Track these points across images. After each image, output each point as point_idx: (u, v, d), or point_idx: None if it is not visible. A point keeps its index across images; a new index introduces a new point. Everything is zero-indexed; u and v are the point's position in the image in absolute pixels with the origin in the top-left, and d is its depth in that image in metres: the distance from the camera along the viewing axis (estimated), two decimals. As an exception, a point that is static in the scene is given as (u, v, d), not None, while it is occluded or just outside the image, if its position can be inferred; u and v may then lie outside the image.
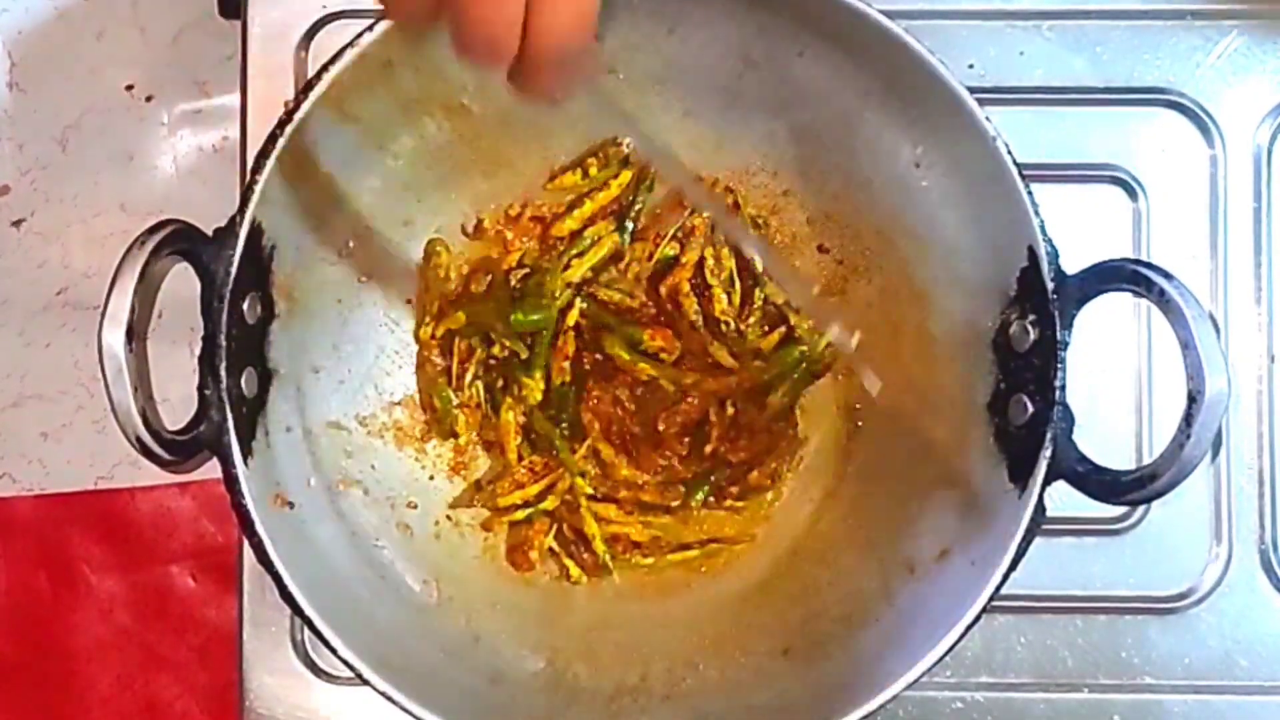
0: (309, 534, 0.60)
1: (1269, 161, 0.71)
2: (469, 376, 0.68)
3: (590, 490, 0.68)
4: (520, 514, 0.67)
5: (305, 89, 0.55)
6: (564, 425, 0.67)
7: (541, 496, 0.67)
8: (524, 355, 0.67)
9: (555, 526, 0.68)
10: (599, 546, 0.66)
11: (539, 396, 0.67)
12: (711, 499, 0.68)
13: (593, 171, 0.67)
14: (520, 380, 0.67)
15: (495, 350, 0.67)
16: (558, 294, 0.67)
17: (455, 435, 0.68)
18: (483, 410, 0.68)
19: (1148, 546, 0.70)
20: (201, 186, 0.76)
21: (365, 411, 0.67)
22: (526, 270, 0.68)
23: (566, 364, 0.67)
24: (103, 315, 0.50)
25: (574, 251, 0.67)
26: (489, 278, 0.68)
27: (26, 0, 0.76)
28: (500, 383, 0.68)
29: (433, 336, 0.67)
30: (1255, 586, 0.70)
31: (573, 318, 0.67)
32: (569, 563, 0.67)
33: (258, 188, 0.55)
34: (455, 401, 0.67)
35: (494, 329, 0.67)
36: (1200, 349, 0.51)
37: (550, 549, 0.68)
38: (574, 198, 0.68)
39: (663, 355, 0.67)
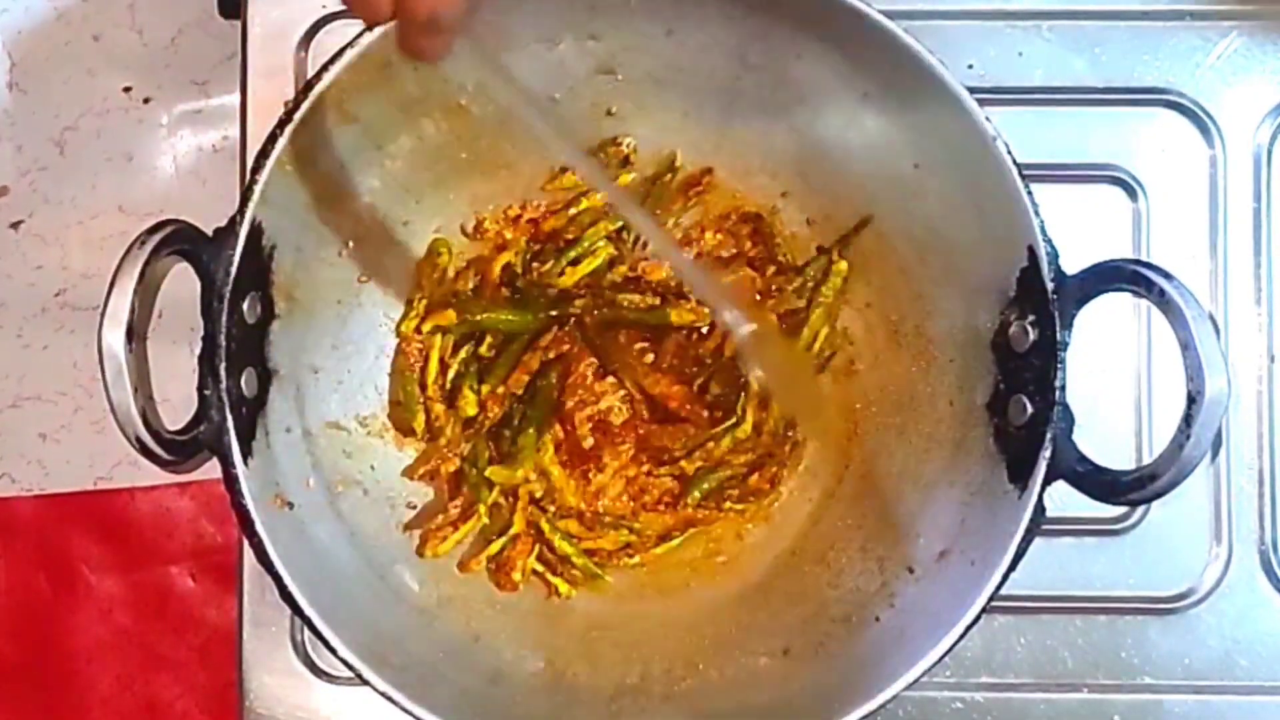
0: (309, 534, 0.59)
1: (1269, 161, 0.71)
2: (451, 374, 0.67)
3: (542, 514, 0.67)
4: (495, 546, 0.66)
5: (305, 89, 0.55)
6: (513, 436, 0.67)
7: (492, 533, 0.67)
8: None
9: (536, 547, 0.67)
10: (579, 560, 0.66)
11: (473, 410, 0.67)
12: (711, 503, 0.68)
13: (593, 171, 0.67)
14: (465, 388, 0.67)
15: (483, 350, 0.67)
16: (552, 296, 0.67)
17: (413, 432, 0.68)
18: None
19: (1148, 546, 0.70)
20: (201, 186, 0.76)
21: (365, 412, 0.67)
22: (517, 271, 0.68)
23: (526, 377, 0.67)
24: (102, 315, 0.50)
25: (570, 256, 0.67)
26: (478, 277, 0.68)
27: (26, 0, 0.76)
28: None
29: (417, 330, 0.67)
30: (1255, 586, 0.70)
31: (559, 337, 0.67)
32: (556, 580, 0.67)
33: (258, 188, 0.55)
34: (419, 399, 0.67)
35: (481, 327, 0.67)
36: (1200, 349, 0.51)
37: (534, 571, 0.68)
38: (571, 197, 0.68)
39: (695, 325, 0.67)
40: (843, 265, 0.67)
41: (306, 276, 0.61)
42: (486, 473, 0.66)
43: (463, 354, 0.67)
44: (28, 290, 0.76)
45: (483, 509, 0.66)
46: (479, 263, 0.68)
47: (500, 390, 0.67)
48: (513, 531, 0.66)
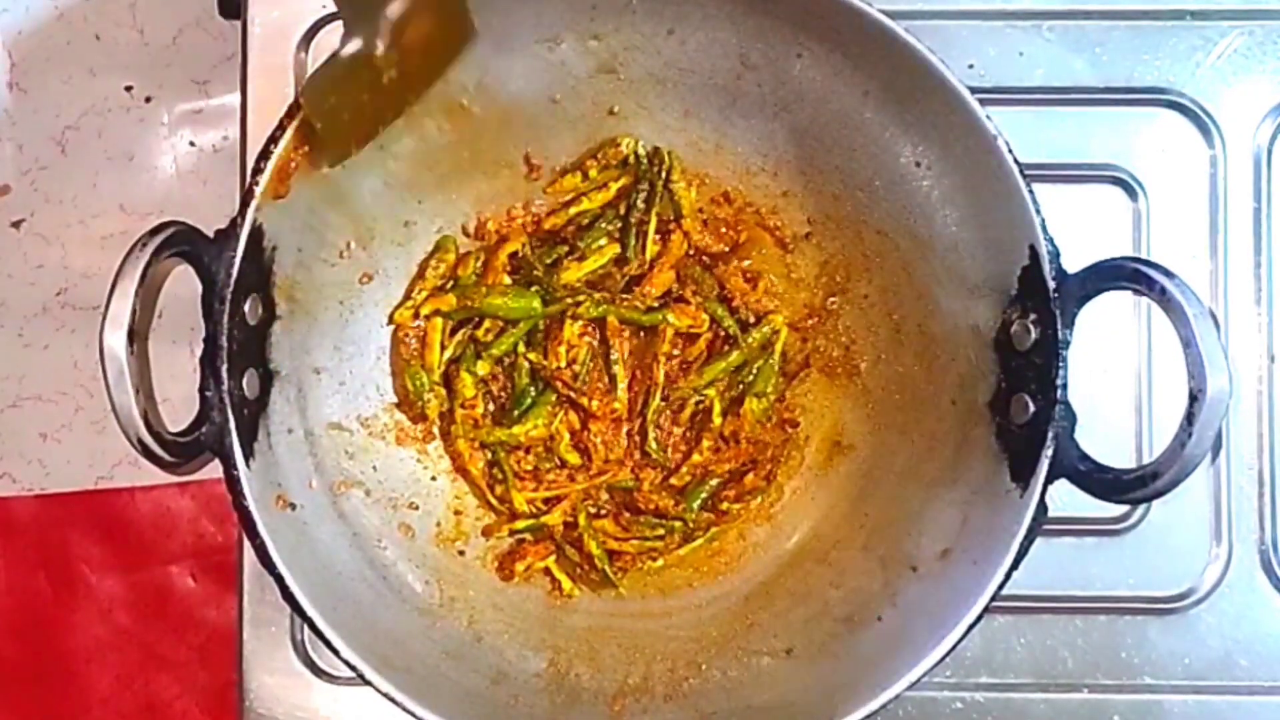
0: (311, 535, 0.59)
1: (1269, 161, 0.71)
2: (446, 354, 0.67)
3: (592, 509, 0.68)
4: (521, 523, 0.67)
5: (307, 89, 0.55)
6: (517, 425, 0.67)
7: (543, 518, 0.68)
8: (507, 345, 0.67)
9: (557, 552, 0.68)
10: (602, 563, 0.66)
11: (470, 391, 0.67)
12: (709, 506, 0.68)
13: (592, 173, 0.67)
14: (463, 372, 0.67)
15: (479, 334, 0.67)
16: (556, 292, 0.67)
17: (425, 418, 0.68)
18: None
19: (1148, 546, 0.70)
20: (201, 186, 0.76)
21: (366, 412, 0.67)
22: (529, 258, 0.68)
23: (526, 364, 0.68)
24: (104, 318, 0.50)
25: (579, 251, 0.67)
26: (480, 263, 0.68)
27: (26, 0, 0.76)
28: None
29: (417, 316, 0.67)
30: (1255, 586, 0.70)
31: (571, 331, 0.67)
32: (561, 576, 0.67)
33: (258, 189, 0.55)
34: (427, 384, 0.67)
35: (481, 313, 0.67)
36: (1201, 347, 0.51)
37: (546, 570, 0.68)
38: (571, 197, 0.68)
39: (693, 330, 0.68)
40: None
41: (308, 277, 0.61)
42: (490, 436, 0.67)
43: (460, 336, 0.67)
44: (28, 290, 0.76)
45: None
46: (482, 250, 0.68)
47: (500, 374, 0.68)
48: (545, 520, 0.67)
